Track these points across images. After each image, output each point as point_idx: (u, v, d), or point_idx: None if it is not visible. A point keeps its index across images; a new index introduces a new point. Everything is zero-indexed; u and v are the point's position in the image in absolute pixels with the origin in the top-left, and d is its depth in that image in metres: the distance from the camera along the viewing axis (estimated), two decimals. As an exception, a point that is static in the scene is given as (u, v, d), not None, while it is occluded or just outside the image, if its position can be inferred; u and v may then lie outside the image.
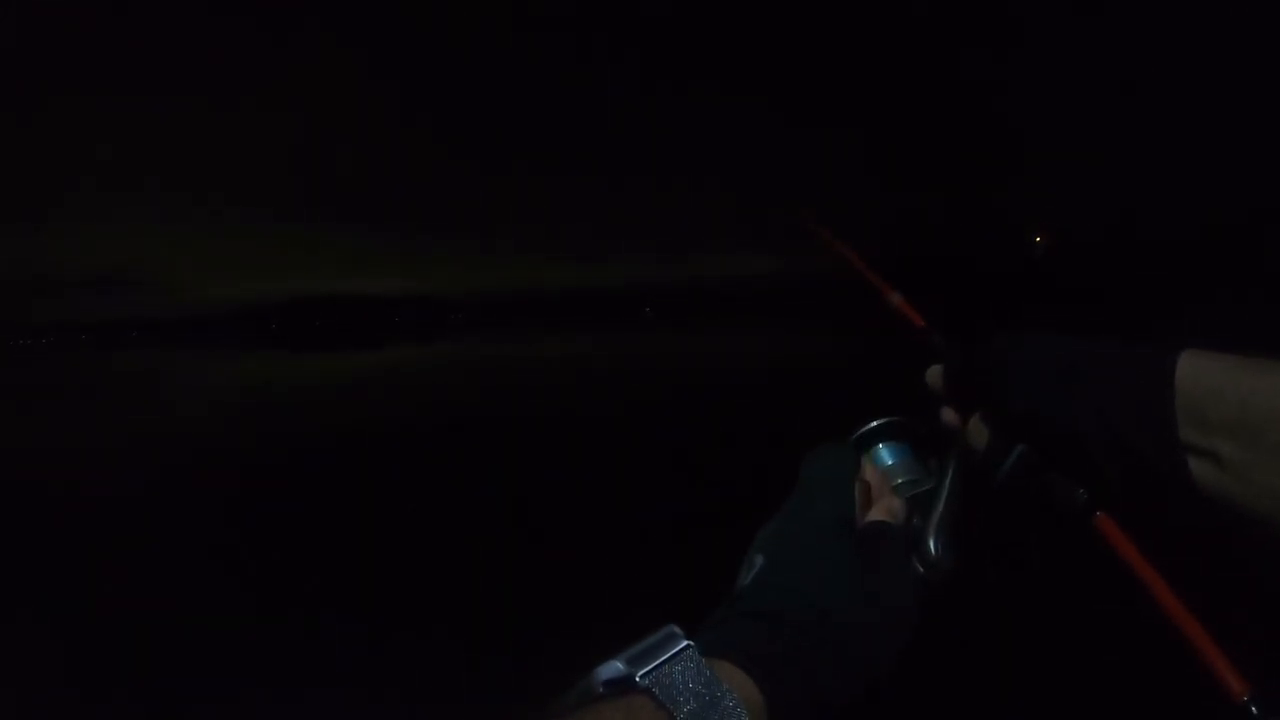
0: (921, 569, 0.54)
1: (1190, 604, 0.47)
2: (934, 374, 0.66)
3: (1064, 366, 0.54)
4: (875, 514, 0.56)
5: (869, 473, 0.60)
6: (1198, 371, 0.47)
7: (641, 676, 0.38)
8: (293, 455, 8.74)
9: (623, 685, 0.38)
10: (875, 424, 0.68)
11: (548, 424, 9.78)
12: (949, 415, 0.63)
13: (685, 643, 0.40)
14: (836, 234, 0.88)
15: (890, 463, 0.66)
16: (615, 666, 0.39)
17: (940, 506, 0.59)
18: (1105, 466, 0.51)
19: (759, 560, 0.50)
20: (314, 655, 3.35)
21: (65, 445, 10.63)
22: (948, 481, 0.61)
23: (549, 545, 4.75)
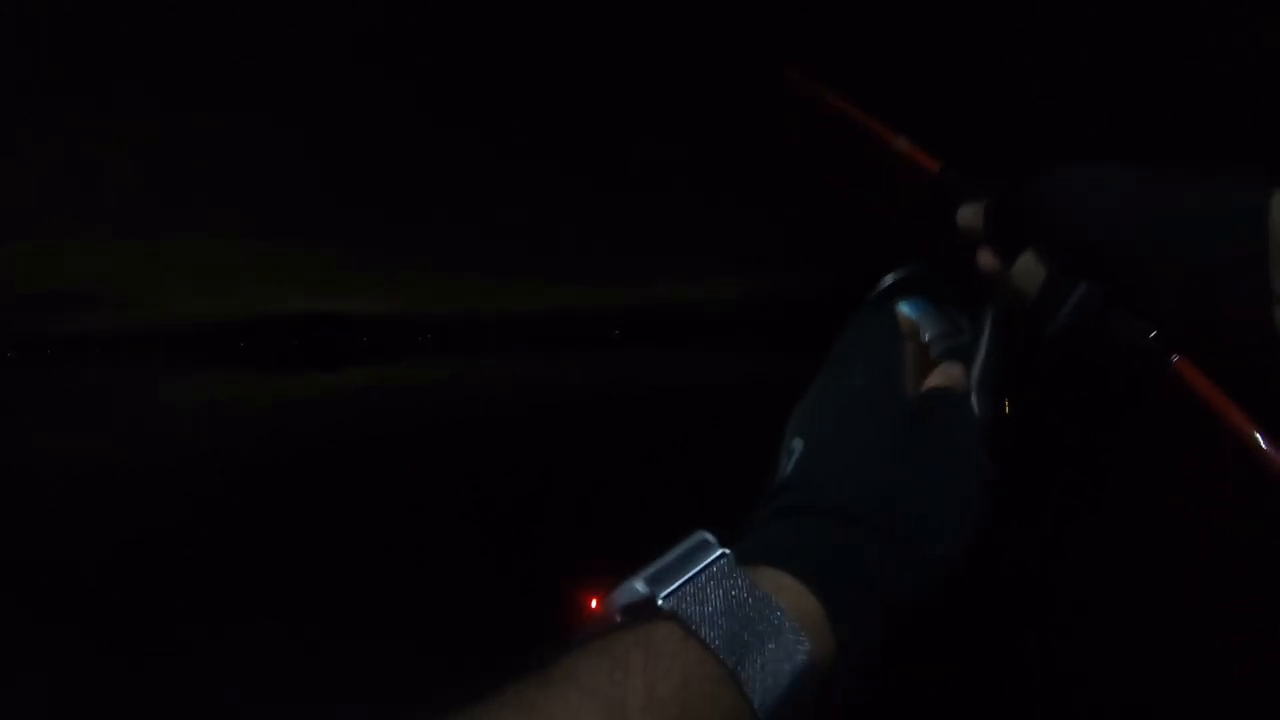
0: None
1: None
2: (969, 213, 0.57)
3: (1138, 195, 0.46)
4: (935, 380, 0.48)
5: (924, 329, 0.51)
6: None
7: (664, 599, 0.30)
8: (255, 478, 8.15)
9: (643, 610, 0.31)
10: (896, 275, 0.60)
11: (521, 438, 9.75)
12: (987, 258, 0.55)
13: (719, 551, 0.33)
14: (828, 88, 0.78)
15: (914, 318, 0.59)
16: (633, 588, 0.31)
17: (980, 359, 0.53)
18: (1180, 309, 0.45)
19: (798, 445, 0.41)
20: (315, 654, 3.26)
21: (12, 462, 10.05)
22: (986, 332, 0.54)
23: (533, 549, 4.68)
